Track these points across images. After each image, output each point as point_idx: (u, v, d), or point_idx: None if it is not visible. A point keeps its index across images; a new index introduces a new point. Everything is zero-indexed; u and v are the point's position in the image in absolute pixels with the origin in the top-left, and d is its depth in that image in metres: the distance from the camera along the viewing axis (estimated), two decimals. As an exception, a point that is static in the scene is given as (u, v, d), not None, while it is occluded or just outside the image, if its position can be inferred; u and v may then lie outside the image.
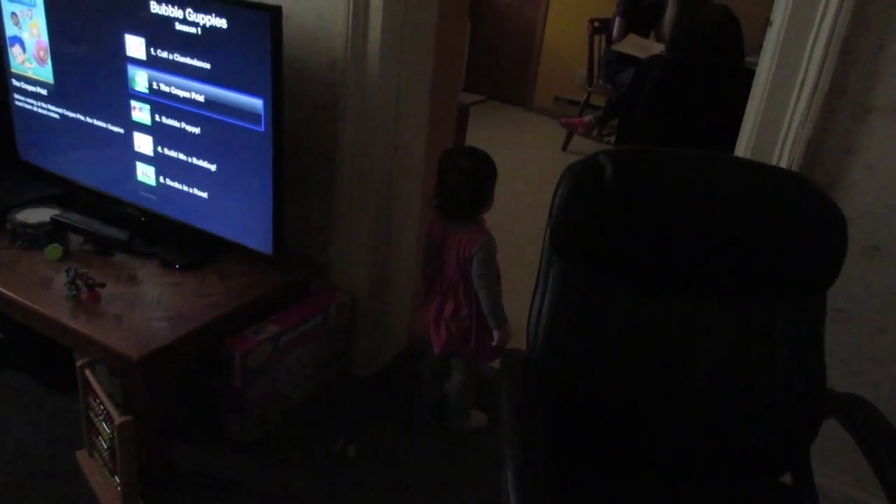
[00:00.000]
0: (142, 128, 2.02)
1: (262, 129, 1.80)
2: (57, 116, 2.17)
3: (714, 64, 3.15)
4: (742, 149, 1.67)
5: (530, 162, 4.71)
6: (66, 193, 2.23)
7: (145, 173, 2.08)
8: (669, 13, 3.98)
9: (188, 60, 1.84)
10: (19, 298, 1.82)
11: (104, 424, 1.66)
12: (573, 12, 5.47)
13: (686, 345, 1.34)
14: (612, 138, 4.55)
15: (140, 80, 1.95)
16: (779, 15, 1.54)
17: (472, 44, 5.03)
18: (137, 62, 1.93)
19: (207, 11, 1.76)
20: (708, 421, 1.35)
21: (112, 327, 1.74)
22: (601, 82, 4.70)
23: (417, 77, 2.07)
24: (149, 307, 1.84)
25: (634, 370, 1.34)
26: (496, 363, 1.89)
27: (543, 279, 1.36)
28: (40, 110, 2.20)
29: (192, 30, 1.80)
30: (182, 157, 1.98)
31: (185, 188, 2.02)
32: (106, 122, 2.08)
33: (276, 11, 1.70)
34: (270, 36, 1.71)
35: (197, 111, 1.89)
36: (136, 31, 1.90)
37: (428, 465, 1.96)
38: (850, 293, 1.68)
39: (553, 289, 1.34)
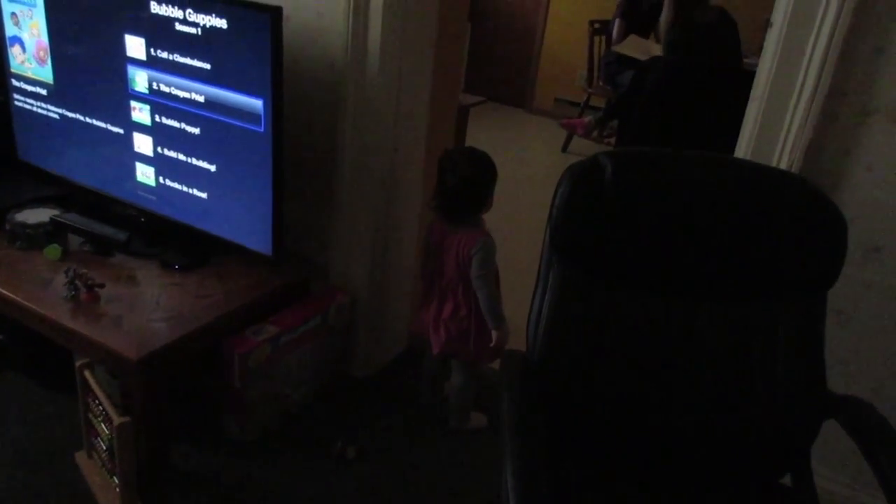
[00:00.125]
0: (141, 128, 2.02)
1: (262, 129, 1.80)
2: (56, 117, 2.17)
3: (713, 65, 3.15)
4: (742, 150, 1.67)
5: (530, 163, 4.71)
6: (66, 194, 2.23)
7: (145, 174, 2.08)
8: (665, 15, 3.99)
9: (188, 61, 1.84)
10: (18, 299, 1.82)
11: (103, 425, 1.65)
12: (573, 14, 5.48)
13: (686, 345, 1.34)
14: (612, 139, 4.55)
15: (140, 80, 1.95)
16: (779, 16, 1.55)
17: (472, 45, 5.03)
18: (137, 62, 1.93)
19: (207, 12, 1.76)
20: (708, 422, 1.35)
21: (111, 328, 1.74)
22: (601, 83, 4.70)
23: (417, 78, 2.07)
24: (148, 308, 1.84)
25: (634, 371, 1.34)
26: (496, 364, 1.89)
27: (543, 280, 1.36)
28: (40, 110, 2.20)
29: (192, 30, 1.80)
30: (182, 157, 1.98)
31: (185, 189, 2.01)
32: (105, 123, 2.08)
33: (277, 12, 1.70)
34: (270, 36, 1.71)
35: (197, 112, 1.89)
36: (136, 32, 1.90)
37: (428, 466, 1.96)
38: (850, 293, 1.68)
39: (553, 289, 1.34)
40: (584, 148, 4.67)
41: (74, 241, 2.05)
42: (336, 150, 2.03)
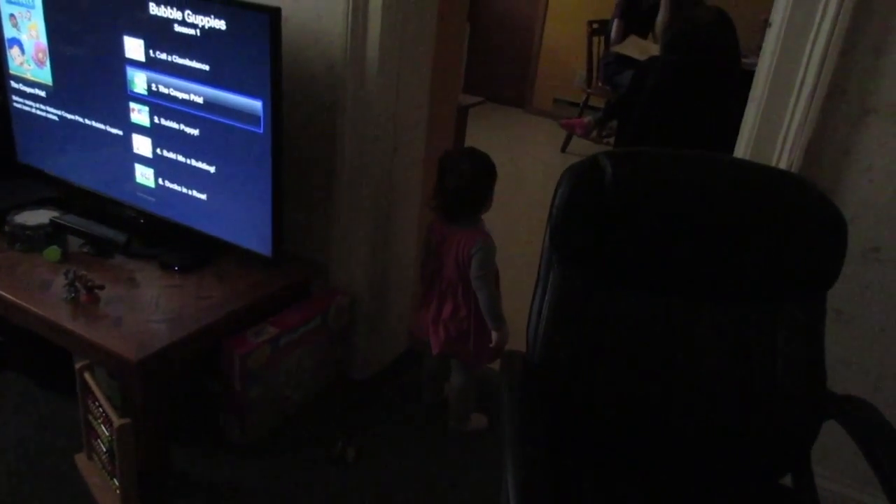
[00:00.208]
0: (140, 129, 2.02)
1: (262, 130, 1.80)
2: (55, 118, 2.17)
3: (711, 65, 3.15)
4: (741, 150, 1.67)
5: (530, 163, 4.71)
6: (65, 195, 2.23)
7: (144, 175, 2.08)
8: (662, 15, 3.99)
9: (187, 62, 1.84)
10: (18, 301, 1.82)
11: (103, 427, 1.65)
12: (572, 14, 5.48)
13: (686, 346, 1.34)
14: (612, 139, 4.55)
15: (139, 81, 1.95)
16: (778, 16, 1.55)
17: (471, 45, 5.02)
18: (136, 64, 1.93)
19: (206, 13, 1.76)
20: (708, 422, 1.35)
21: (111, 329, 1.73)
22: (600, 84, 4.71)
23: (417, 78, 2.07)
24: (148, 309, 1.84)
25: (634, 371, 1.34)
26: (496, 364, 1.89)
27: (543, 280, 1.36)
28: (39, 112, 2.20)
29: (191, 31, 1.80)
30: (181, 158, 1.98)
31: (184, 190, 2.01)
32: (104, 124, 2.08)
33: (276, 13, 1.70)
34: (270, 37, 1.70)
35: (196, 113, 1.89)
36: (135, 33, 1.90)
37: (428, 467, 1.96)
38: (850, 293, 1.68)
39: (553, 290, 1.34)
40: (583, 148, 4.67)
41: (74, 242, 2.05)
42: (335, 150, 2.03)
